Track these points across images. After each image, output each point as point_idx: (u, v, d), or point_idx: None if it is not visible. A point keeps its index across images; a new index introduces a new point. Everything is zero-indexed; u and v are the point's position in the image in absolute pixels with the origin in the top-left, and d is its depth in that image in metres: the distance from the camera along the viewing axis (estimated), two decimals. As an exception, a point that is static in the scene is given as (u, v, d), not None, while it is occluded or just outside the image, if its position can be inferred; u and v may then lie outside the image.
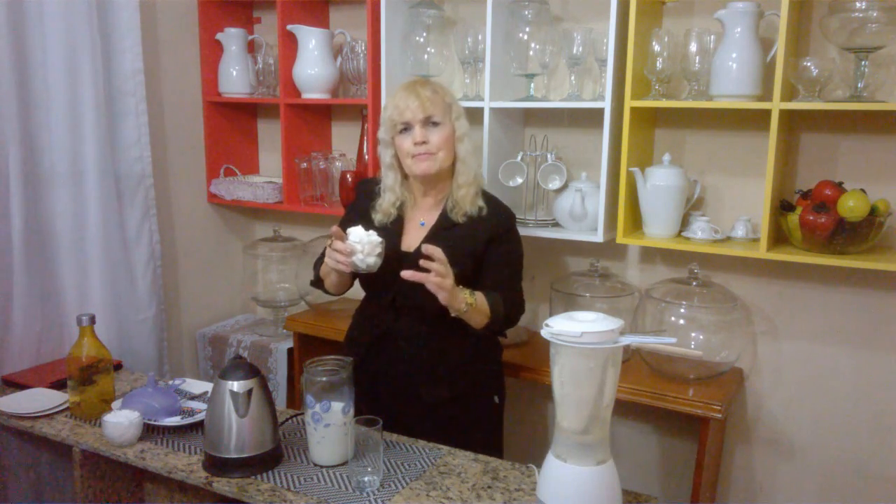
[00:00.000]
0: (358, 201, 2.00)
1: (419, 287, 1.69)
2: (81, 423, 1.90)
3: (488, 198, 1.91)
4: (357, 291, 2.05)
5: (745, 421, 2.31)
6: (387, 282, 1.84)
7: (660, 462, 2.47)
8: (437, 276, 1.66)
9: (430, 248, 1.67)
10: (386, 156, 1.89)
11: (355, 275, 1.90)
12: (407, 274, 1.67)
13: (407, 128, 1.82)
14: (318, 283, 1.99)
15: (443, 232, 1.85)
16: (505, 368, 2.23)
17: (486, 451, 1.78)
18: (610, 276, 2.35)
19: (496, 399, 2.00)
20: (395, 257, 1.84)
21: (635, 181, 2.12)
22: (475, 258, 1.85)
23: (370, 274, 1.77)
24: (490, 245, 1.86)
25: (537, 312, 2.53)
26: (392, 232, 1.87)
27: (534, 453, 2.61)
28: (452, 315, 1.75)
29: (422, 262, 1.67)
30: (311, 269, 2.04)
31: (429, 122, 1.81)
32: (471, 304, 1.74)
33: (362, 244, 1.70)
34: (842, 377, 2.16)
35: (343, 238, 1.71)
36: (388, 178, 1.90)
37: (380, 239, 1.72)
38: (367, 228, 1.74)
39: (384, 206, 1.90)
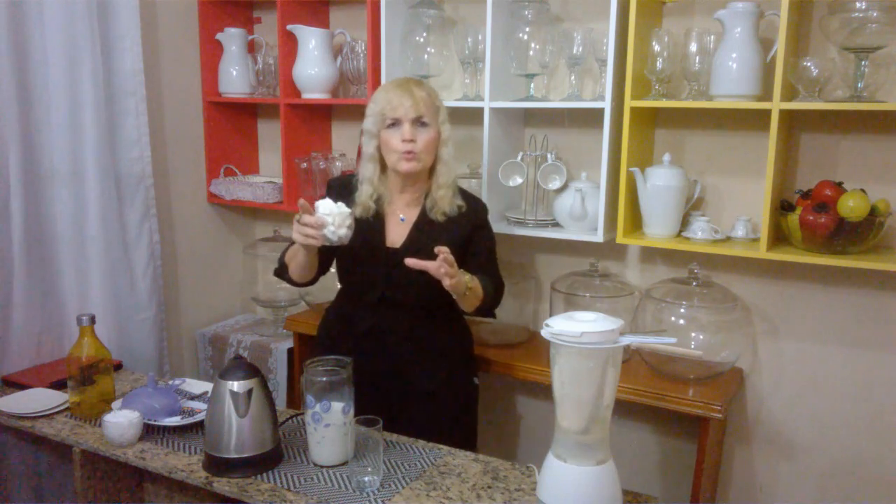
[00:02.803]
0: (330, 197, 2.01)
1: (409, 282, 1.74)
2: (81, 423, 1.90)
3: (464, 194, 1.97)
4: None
5: (745, 421, 2.31)
6: (374, 279, 1.87)
7: (660, 462, 2.47)
8: (446, 267, 1.68)
9: (443, 250, 1.69)
10: (369, 147, 1.89)
11: (323, 265, 1.91)
12: (411, 262, 1.68)
13: (396, 123, 1.83)
14: (281, 270, 1.95)
15: (425, 228, 1.90)
16: (504, 368, 2.25)
17: (468, 433, 1.93)
18: (610, 276, 2.35)
19: (476, 381, 2.08)
20: (380, 255, 1.88)
21: (635, 181, 2.12)
22: (457, 251, 1.89)
23: (355, 271, 1.78)
24: (472, 237, 1.94)
25: (537, 312, 2.53)
26: (374, 229, 1.89)
27: (534, 453, 2.61)
28: (454, 297, 1.80)
29: (437, 250, 1.69)
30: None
31: (418, 122, 1.83)
32: (471, 289, 1.80)
33: (332, 216, 1.67)
34: (842, 377, 2.16)
35: (311, 211, 1.68)
36: (367, 170, 1.90)
37: (349, 210, 1.70)
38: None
39: (362, 199, 1.90)
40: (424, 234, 1.88)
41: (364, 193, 1.90)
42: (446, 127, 1.90)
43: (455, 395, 2.00)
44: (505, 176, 2.30)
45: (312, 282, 1.97)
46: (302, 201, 1.69)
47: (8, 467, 2.17)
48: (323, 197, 1.75)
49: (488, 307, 1.94)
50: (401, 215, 1.93)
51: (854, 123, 2.03)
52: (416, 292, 1.83)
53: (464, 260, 1.91)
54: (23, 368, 2.22)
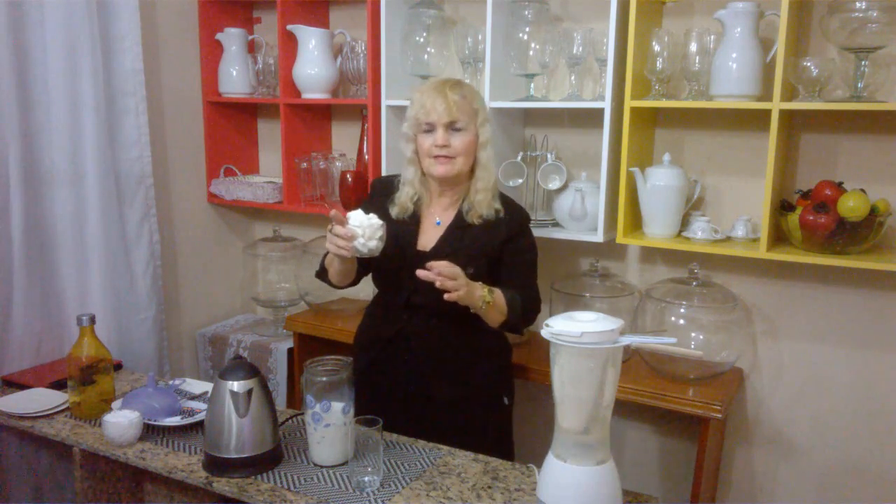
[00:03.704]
0: (374, 198, 1.99)
1: (434, 286, 1.68)
2: (81, 423, 1.90)
3: (505, 199, 1.91)
4: (358, 291, 2.05)
5: (745, 421, 2.31)
6: (401, 281, 1.84)
7: (660, 462, 2.47)
8: (446, 281, 1.65)
9: (435, 265, 1.66)
10: (407, 151, 1.88)
11: (362, 268, 1.90)
12: (422, 273, 1.66)
13: (430, 128, 1.81)
14: (322, 273, 1.96)
15: (458, 231, 1.86)
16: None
17: (496, 453, 1.79)
18: (610, 276, 2.35)
19: (505, 400, 2.00)
20: (410, 257, 1.84)
21: (635, 181, 2.12)
22: (490, 258, 1.86)
23: (385, 273, 1.76)
24: (506, 245, 1.87)
25: (537, 312, 2.53)
26: (409, 231, 1.87)
27: (534, 453, 2.61)
28: (472, 311, 1.75)
29: (428, 265, 1.66)
30: (312, 268, 2.04)
31: (452, 127, 1.80)
32: (488, 302, 1.74)
33: (363, 228, 1.67)
34: (842, 377, 2.16)
35: (343, 222, 1.67)
36: (408, 173, 1.90)
37: (381, 222, 1.69)
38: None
39: (402, 200, 1.89)
40: (457, 239, 1.85)
41: (404, 195, 1.89)
42: (485, 129, 1.85)
43: (481, 410, 1.93)
44: (505, 176, 2.30)
45: (354, 283, 1.97)
46: (334, 212, 1.67)
47: (8, 467, 2.17)
48: (356, 205, 1.75)
49: (513, 324, 1.85)
50: (437, 219, 1.90)
51: (854, 123, 2.03)
52: (442, 296, 1.74)
53: (497, 269, 1.87)
54: (23, 368, 2.22)
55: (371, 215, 1.69)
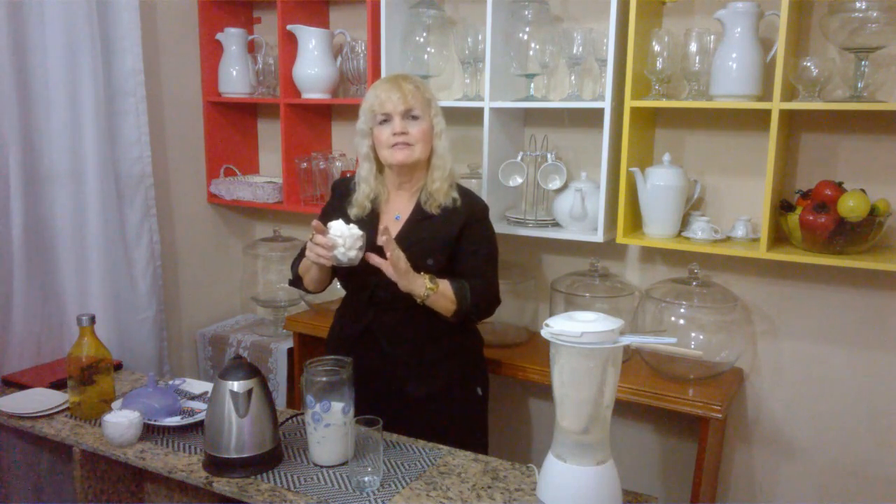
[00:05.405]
0: (333, 200, 2.02)
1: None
2: (81, 423, 1.90)
3: (462, 190, 1.93)
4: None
5: (745, 421, 2.31)
6: (365, 277, 1.85)
7: (660, 462, 2.47)
8: (390, 261, 1.71)
9: (381, 239, 1.70)
10: (363, 146, 1.90)
11: (335, 272, 1.92)
12: (372, 259, 1.73)
13: (387, 119, 1.83)
14: (296, 281, 2.00)
15: (417, 224, 1.88)
16: (504, 368, 2.24)
17: (471, 444, 1.81)
18: (610, 276, 2.35)
19: (479, 391, 2.01)
20: (371, 252, 1.85)
21: (635, 181, 2.12)
22: (449, 248, 1.87)
23: (350, 271, 1.78)
24: (463, 234, 1.87)
25: (537, 312, 2.53)
26: (368, 227, 1.88)
27: (532, 453, 2.61)
28: (419, 302, 1.78)
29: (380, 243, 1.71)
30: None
31: (409, 115, 1.83)
32: (432, 289, 1.77)
33: (343, 238, 1.71)
34: (842, 377, 2.16)
35: (324, 232, 1.71)
36: (363, 169, 1.91)
37: (361, 232, 1.73)
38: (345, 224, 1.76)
39: (359, 200, 1.91)
40: (416, 231, 1.87)
41: (361, 194, 1.91)
42: (439, 119, 1.88)
43: (456, 403, 1.94)
44: (505, 176, 2.30)
45: (326, 287, 2.00)
46: (315, 223, 1.72)
47: (8, 467, 2.17)
48: (329, 219, 1.77)
49: (465, 312, 1.83)
50: (396, 213, 1.92)
51: (854, 123, 2.03)
52: (402, 291, 1.78)
53: (454, 258, 1.88)
54: (23, 368, 2.22)
55: (352, 225, 1.73)
